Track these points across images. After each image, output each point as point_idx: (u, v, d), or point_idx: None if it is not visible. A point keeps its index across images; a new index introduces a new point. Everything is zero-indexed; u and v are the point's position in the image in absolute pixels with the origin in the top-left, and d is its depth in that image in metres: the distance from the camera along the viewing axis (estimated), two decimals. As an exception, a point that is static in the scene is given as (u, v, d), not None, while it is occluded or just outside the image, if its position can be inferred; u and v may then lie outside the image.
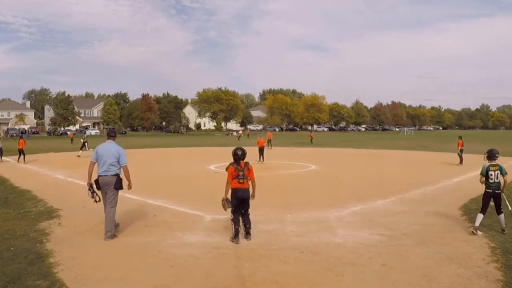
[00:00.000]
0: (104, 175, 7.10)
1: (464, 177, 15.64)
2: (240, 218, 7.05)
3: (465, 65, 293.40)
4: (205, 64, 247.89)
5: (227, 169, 7.05)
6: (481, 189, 12.24)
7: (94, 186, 7.25)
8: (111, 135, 7.45)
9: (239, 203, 6.94)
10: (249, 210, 7.09)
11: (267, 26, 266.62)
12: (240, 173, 6.92)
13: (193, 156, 28.52)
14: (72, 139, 45.81)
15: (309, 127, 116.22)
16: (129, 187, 7.32)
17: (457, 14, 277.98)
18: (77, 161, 23.03)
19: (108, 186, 7.11)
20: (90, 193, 7.29)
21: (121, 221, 8.33)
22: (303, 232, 7.57)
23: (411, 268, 5.64)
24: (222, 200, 7.03)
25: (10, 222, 8.17)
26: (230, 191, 7.01)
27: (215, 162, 21.65)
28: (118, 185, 7.17)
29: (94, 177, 7.25)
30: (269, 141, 32.16)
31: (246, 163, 7.06)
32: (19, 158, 22.45)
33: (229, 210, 7.00)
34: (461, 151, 20.84)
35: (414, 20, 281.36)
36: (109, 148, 7.22)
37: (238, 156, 6.99)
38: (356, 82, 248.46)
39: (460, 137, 21.68)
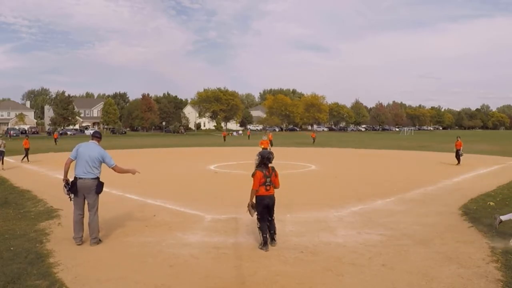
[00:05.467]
0: (84, 178, 6.69)
1: (464, 177, 15.63)
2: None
3: (465, 65, 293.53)
4: (205, 64, 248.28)
5: (253, 175, 6.71)
6: (480, 189, 12.34)
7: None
8: (96, 135, 7.14)
9: (266, 211, 6.70)
10: (274, 216, 6.82)
11: (267, 26, 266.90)
12: (268, 180, 6.65)
13: (193, 156, 28.50)
14: (56, 140, 45.41)
15: (309, 127, 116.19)
16: (134, 172, 7.50)
17: (456, 14, 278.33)
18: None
19: (88, 191, 6.77)
20: (66, 191, 6.95)
21: (121, 221, 8.35)
22: (303, 232, 7.56)
23: (411, 268, 5.63)
24: (248, 206, 6.78)
25: (10, 222, 8.17)
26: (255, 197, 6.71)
27: (215, 162, 21.66)
28: (99, 189, 6.82)
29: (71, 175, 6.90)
30: (270, 141, 32.01)
31: (273, 168, 6.78)
32: (23, 157, 22.50)
33: (255, 217, 6.74)
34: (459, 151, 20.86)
35: (414, 20, 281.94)
36: (92, 148, 6.85)
37: (270, 161, 6.70)
38: (356, 82, 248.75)
39: (458, 137, 21.71)
